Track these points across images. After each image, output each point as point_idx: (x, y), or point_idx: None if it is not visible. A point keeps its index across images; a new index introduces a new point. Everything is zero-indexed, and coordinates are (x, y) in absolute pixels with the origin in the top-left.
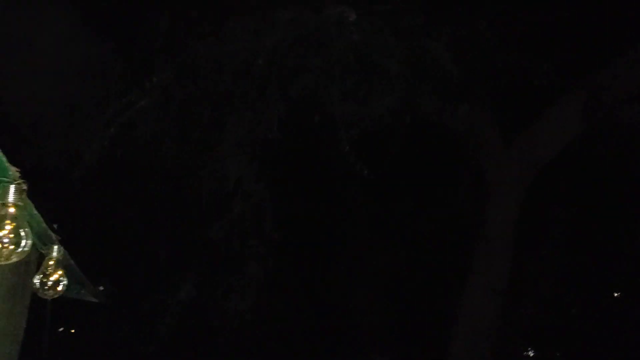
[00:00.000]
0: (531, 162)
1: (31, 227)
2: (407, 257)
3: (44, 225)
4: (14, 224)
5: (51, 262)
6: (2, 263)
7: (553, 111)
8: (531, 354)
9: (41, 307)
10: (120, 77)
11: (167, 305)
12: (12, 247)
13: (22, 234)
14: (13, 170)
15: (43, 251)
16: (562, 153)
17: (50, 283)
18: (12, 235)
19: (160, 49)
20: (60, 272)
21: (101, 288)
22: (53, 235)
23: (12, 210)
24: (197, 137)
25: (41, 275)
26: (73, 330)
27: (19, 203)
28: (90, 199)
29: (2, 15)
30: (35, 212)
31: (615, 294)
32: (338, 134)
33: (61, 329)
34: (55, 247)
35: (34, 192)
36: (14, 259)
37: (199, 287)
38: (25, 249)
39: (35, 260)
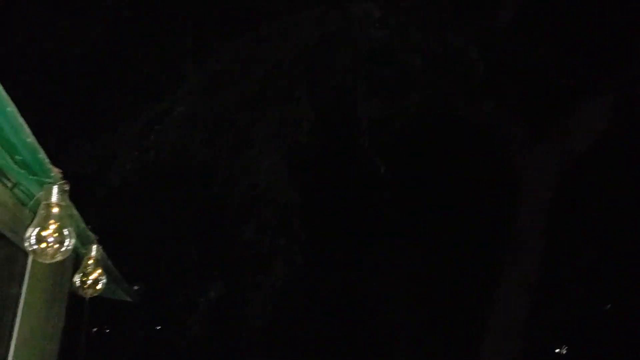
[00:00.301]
0: (562, 156)
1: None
2: (438, 254)
3: (83, 225)
4: (58, 223)
5: (90, 262)
6: (48, 261)
7: (585, 105)
8: (564, 351)
9: (77, 308)
10: (153, 81)
11: (197, 303)
12: (56, 246)
13: (66, 233)
14: (55, 172)
15: (80, 252)
16: (595, 147)
17: (89, 282)
18: (56, 235)
19: (190, 54)
20: (99, 271)
21: (136, 287)
22: (92, 235)
23: (55, 210)
24: (228, 139)
25: (81, 274)
26: (107, 330)
27: (62, 203)
28: (125, 202)
29: (39, 23)
30: (75, 212)
31: None
32: (365, 132)
33: (95, 329)
34: (94, 246)
35: (73, 194)
36: (59, 257)
37: (228, 286)
38: (69, 247)
39: (71, 262)
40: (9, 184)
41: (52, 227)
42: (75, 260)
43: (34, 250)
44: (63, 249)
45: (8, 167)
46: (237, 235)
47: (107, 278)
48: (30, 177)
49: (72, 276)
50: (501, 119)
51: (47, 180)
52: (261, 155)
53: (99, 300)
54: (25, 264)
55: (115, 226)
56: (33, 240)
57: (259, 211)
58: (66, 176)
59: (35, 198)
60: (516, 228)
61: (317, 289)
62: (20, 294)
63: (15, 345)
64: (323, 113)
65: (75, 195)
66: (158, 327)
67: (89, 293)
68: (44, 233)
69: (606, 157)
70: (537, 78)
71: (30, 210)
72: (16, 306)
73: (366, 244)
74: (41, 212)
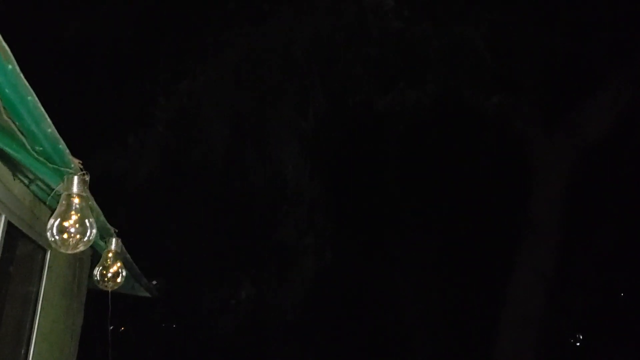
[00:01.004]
0: (576, 146)
1: None
2: (455, 245)
3: (103, 218)
4: (79, 214)
5: (110, 255)
6: (70, 252)
7: (598, 95)
8: (579, 340)
9: (97, 305)
10: (171, 75)
11: (227, 300)
12: (78, 236)
13: (88, 223)
14: (75, 162)
15: (98, 247)
16: (608, 136)
17: (110, 275)
18: (78, 225)
19: (207, 46)
20: (119, 264)
21: (154, 282)
22: (111, 229)
23: (76, 201)
24: (247, 133)
25: (101, 268)
26: (122, 328)
27: (83, 194)
28: (147, 198)
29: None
30: (95, 205)
31: None
32: (381, 123)
33: (111, 327)
34: (114, 239)
35: (93, 189)
36: (81, 248)
37: (256, 285)
38: (91, 238)
39: (89, 258)
40: (26, 181)
41: (74, 217)
42: (93, 256)
43: (55, 241)
44: (85, 239)
45: (27, 161)
46: (264, 233)
47: (130, 274)
48: (50, 165)
49: (91, 272)
50: (514, 110)
51: (68, 170)
52: (281, 147)
53: (118, 295)
54: (44, 260)
55: (137, 222)
56: (55, 231)
57: (284, 207)
58: (86, 169)
59: (54, 192)
60: (531, 218)
61: (343, 283)
62: (39, 290)
63: (36, 341)
64: (338, 103)
65: (96, 190)
66: (174, 326)
67: (110, 286)
68: (65, 224)
69: (620, 147)
70: (550, 69)
71: (49, 205)
72: (36, 302)
73: (386, 237)
74: (62, 202)
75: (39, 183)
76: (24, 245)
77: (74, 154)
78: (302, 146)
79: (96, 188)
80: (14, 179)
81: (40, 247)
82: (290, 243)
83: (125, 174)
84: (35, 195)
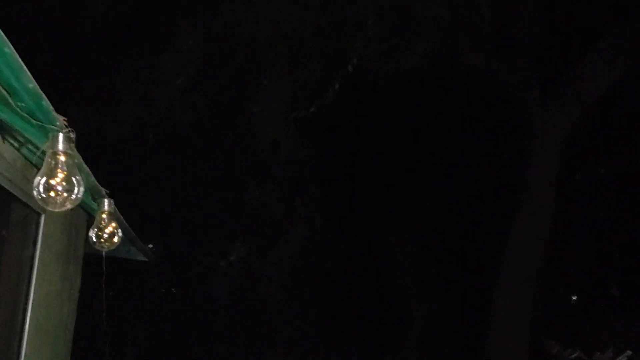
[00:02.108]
0: (573, 107)
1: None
2: (451, 209)
3: (93, 178)
4: (66, 172)
5: (104, 215)
6: (57, 210)
7: (596, 56)
8: (573, 300)
9: (94, 269)
10: (157, 34)
11: (218, 265)
12: (65, 194)
13: (75, 181)
14: (60, 120)
15: (92, 210)
16: (606, 99)
17: (105, 236)
18: (65, 183)
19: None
20: (114, 225)
21: (150, 246)
22: (102, 190)
23: (62, 158)
24: (235, 93)
25: (96, 229)
26: (111, 293)
27: (69, 151)
28: (138, 161)
29: None
30: (84, 165)
31: None
32: (375, 86)
33: (111, 293)
34: (106, 200)
35: (83, 151)
36: (68, 205)
37: (247, 247)
38: (79, 195)
39: (84, 223)
40: (16, 144)
41: (60, 175)
42: (89, 221)
43: (42, 199)
44: (73, 197)
45: (11, 119)
46: (253, 196)
47: (125, 237)
48: (35, 122)
49: (86, 236)
50: (512, 72)
51: (52, 127)
52: (270, 109)
53: (115, 260)
54: (39, 224)
55: (129, 186)
56: (41, 189)
57: (271, 171)
58: (74, 128)
59: (40, 150)
60: (528, 180)
61: (334, 247)
62: (34, 254)
63: (33, 304)
64: (331, 64)
65: (86, 152)
66: (173, 290)
67: (106, 247)
68: (52, 182)
69: (617, 109)
70: (547, 29)
71: (37, 165)
72: (31, 267)
73: (380, 201)
74: (48, 160)
75: (30, 146)
76: (18, 210)
77: (62, 113)
78: (291, 109)
79: (86, 151)
80: (4, 142)
81: (34, 211)
82: (279, 208)
83: (117, 138)
84: (26, 158)
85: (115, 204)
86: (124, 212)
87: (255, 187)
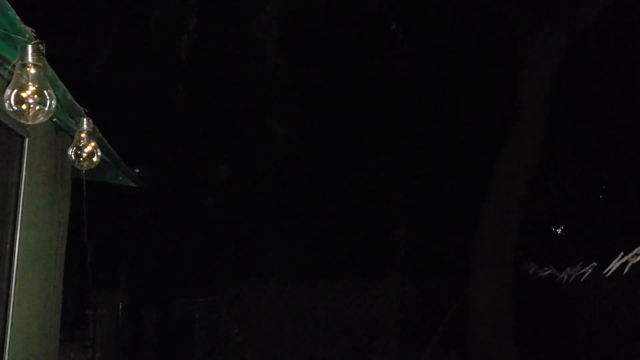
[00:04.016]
0: (566, 34)
1: (57, 99)
2: (440, 133)
3: (70, 96)
4: (37, 84)
5: (83, 135)
6: (30, 123)
7: None
8: (559, 231)
9: (84, 197)
10: None
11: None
12: (37, 107)
13: (47, 94)
14: (29, 31)
15: (73, 133)
16: (595, 29)
17: (84, 155)
18: (36, 96)
19: None
20: (93, 144)
21: (137, 170)
22: (81, 108)
23: (33, 71)
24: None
25: (74, 148)
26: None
27: (39, 64)
28: (121, 86)
29: None
30: (60, 82)
31: None
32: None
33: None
34: (85, 120)
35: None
36: (41, 118)
37: (234, 166)
38: (52, 108)
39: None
40: None
41: (31, 88)
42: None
43: (15, 112)
44: (46, 109)
45: None
46: (242, 121)
47: (109, 161)
48: (1, 31)
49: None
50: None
51: (21, 38)
52: (253, 24)
53: (104, 185)
54: (23, 147)
55: (114, 111)
56: (12, 101)
57: (259, 91)
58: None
59: (11, 65)
60: (518, 106)
61: (321, 172)
62: (20, 178)
63: (21, 226)
64: None
65: (69, 78)
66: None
67: (85, 166)
68: (23, 94)
69: (611, 35)
70: None
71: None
72: (18, 190)
73: (368, 126)
74: (18, 72)
75: (8, 67)
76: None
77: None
78: (277, 29)
79: (69, 76)
80: None
81: (17, 135)
82: (263, 126)
83: (101, 64)
84: (5, 80)
85: (100, 131)
86: (109, 138)
87: (243, 107)
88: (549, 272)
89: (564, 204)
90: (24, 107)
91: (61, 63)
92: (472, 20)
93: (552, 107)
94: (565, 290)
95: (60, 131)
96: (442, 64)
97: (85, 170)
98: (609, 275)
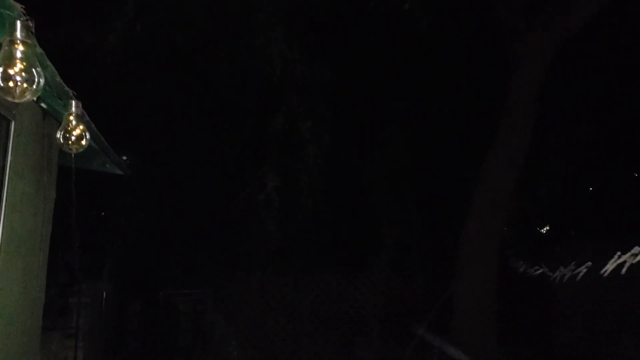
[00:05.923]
0: (557, 35)
1: (46, 80)
2: (430, 127)
3: (59, 78)
4: (25, 62)
5: (71, 117)
6: (17, 100)
7: None
8: (544, 230)
9: (70, 184)
10: None
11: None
12: (25, 85)
13: (35, 72)
14: (18, 7)
15: (61, 117)
16: (586, 28)
17: (73, 138)
18: (24, 74)
19: None
20: (81, 127)
21: (124, 158)
22: (69, 91)
23: (21, 47)
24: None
25: (63, 131)
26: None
27: (28, 41)
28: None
29: None
30: (49, 63)
31: (636, 174)
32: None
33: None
34: (73, 102)
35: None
36: (28, 96)
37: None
38: (39, 87)
39: (56, 131)
40: None
41: (19, 65)
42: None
43: (1, 89)
44: (34, 87)
45: None
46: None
47: (96, 147)
48: None
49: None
50: None
51: (9, 14)
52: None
53: (91, 174)
54: (8, 130)
55: (102, 97)
56: None
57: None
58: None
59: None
60: (508, 104)
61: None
62: (5, 162)
63: (6, 211)
64: None
65: (66, 68)
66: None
67: (74, 149)
68: (10, 71)
69: (601, 36)
70: None
71: None
72: (2, 174)
73: (356, 121)
74: (5, 48)
75: None
76: None
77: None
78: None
79: (63, 63)
80: None
81: (3, 117)
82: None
83: (90, 48)
84: None
85: (92, 117)
86: (96, 124)
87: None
88: (540, 271)
89: (551, 202)
90: (10, 84)
91: (51, 47)
92: (462, 17)
93: (541, 105)
94: (552, 289)
95: (48, 116)
96: (431, 61)
97: (73, 156)
98: (601, 275)
